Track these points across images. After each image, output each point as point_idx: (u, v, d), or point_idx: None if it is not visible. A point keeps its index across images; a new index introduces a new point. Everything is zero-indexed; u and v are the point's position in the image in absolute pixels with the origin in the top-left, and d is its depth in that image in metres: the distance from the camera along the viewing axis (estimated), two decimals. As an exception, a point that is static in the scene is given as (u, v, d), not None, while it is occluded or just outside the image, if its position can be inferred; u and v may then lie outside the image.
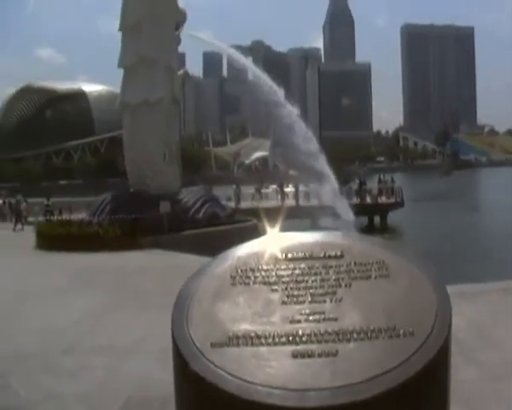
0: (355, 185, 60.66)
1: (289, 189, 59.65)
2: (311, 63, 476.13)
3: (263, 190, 62.73)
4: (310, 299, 2.76)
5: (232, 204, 51.42)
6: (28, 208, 52.90)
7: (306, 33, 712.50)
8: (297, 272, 2.90)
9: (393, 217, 57.10)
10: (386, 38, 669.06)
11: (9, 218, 51.89)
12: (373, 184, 63.25)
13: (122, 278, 20.22)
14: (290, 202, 56.57)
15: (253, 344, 2.56)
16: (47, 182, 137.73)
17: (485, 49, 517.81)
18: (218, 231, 32.96)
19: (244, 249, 3.11)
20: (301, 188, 57.97)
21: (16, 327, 13.24)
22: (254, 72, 43.96)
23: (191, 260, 22.99)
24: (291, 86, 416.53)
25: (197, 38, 47.42)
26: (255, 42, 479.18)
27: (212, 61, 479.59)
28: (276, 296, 2.79)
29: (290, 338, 2.56)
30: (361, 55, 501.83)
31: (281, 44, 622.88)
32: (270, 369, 2.43)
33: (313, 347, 2.52)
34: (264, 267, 2.93)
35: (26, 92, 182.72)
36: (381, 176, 65.65)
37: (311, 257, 2.97)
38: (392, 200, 59.54)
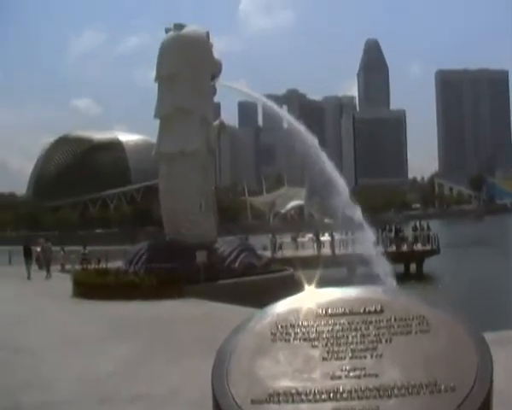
0: (391, 233, 60.28)
1: (325, 238, 59.44)
2: (346, 111, 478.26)
3: (299, 239, 62.64)
4: (350, 355, 2.76)
5: (268, 253, 51.32)
6: (65, 256, 53.44)
7: (341, 81, 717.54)
8: (337, 327, 2.90)
9: (429, 264, 56.66)
10: (420, 84, 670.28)
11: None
12: (408, 231, 62.79)
13: (158, 327, 20.23)
14: (326, 250, 56.35)
15: (293, 401, 2.55)
16: (84, 230, 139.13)
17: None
18: (254, 280, 32.86)
19: (284, 305, 3.12)
20: (337, 237, 57.76)
21: (54, 375, 13.30)
22: (289, 121, 44.12)
23: (228, 310, 22.96)
24: (326, 134, 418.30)
25: (232, 88, 47.78)
26: (290, 90, 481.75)
27: (247, 110, 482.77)
28: (316, 353, 2.79)
29: (331, 395, 2.56)
30: (395, 103, 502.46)
31: (315, 93, 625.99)
32: (312, 426, 2.43)
33: (354, 403, 2.51)
34: (305, 323, 2.94)
35: (64, 142, 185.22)
36: (417, 223, 65.19)
37: (351, 313, 2.97)
38: (428, 247, 59.06)
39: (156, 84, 38.17)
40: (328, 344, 2.83)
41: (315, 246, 57.97)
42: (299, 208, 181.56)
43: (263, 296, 28.76)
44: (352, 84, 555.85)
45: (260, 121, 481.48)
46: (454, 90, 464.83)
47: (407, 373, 2.63)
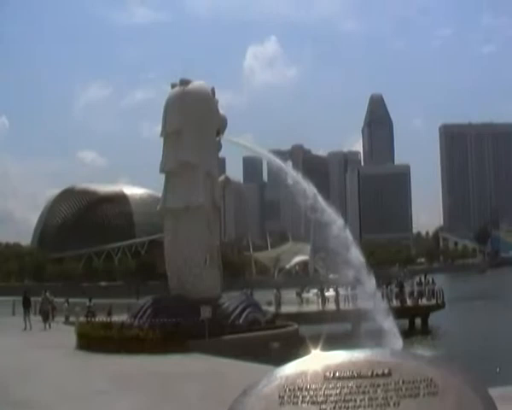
0: (395, 288, 60.15)
1: (330, 293, 59.33)
2: (351, 166, 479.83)
3: (303, 295, 62.51)
4: (358, 418, 2.75)
5: (273, 309, 51.16)
6: (69, 308, 53.44)
7: (345, 136, 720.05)
8: (345, 390, 2.89)
9: (434, 319, 56.50)
10: (424, 138, 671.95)
11: (52, 317, 52.41)
12: (411, 286, 62.70)
13: (162, 382, 20.11)
14: (331, 306, 56.21)
15: None
16: (88, 283, 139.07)
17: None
18: (259, 336, 32.77)
19: (292, 368, 3.11)
20: (342, 292, 57.63)
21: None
22: (294, 176, 44.23)
23: (232, 366, 22.87)
24: (331, 189, 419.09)
25: (237, 143, 48.06)
26: (295, 146, 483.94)
27: (252, 165, 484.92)
28: (324, 416, 2.78)
29: (339, 458, 2.54)
30: (400, 157, 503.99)
31: (320, 148, 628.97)
32: None
33: None
34: (313, 386, 2.93)
35: (70, 194, 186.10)
36: (422, 278, 65.14)
37: (359, 376, 2.96)
38: (433, 302, 58.98)
39: (162, 139, 38.44)
40: (336, 407, 2.82)
41: (319, 301, 57.83)
42: (304, 264, 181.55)
43: (267, 352, 28.69)
44: (357, 140, 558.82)
45: (265, 177, 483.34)
46: (458, 144, 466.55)
47: (415, 437, 2.62)
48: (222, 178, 40.71)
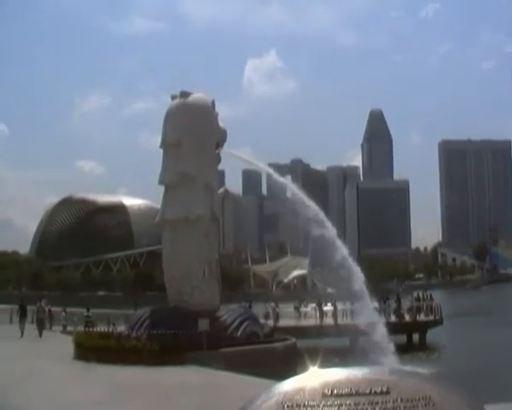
0: (394, 303, 60.14)
1: (328, 307, 59.31)
2: (350, 181, 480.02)
3: (301, 309, 62.47)
4: (356, 436, 2.76)
5: (271, 322, 51.10)
6: (67, 317, 53.48)
7: (345, 151, 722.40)
8: (343, 408, 2.90)
9: (432, 335, 56.51)
10: (423, 154, 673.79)
11: (49, 326, 52.52)
12: (409, 301, 62.77)
13: (159, 393, 20.08)
14: (329, 320, 56.19)
15: None
16: (86, 292, 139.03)
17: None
18: (257, 349, 32.69)
19: (290, 385, 3.12)
20: (339, 306, 57.60)
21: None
22: (293, 190, 44.28)
23: (230, 379, 22.83)
24: (330, 204, 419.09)
25: (236, 156, 48.08)
26: (294, 160, 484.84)
27: (251, 178, 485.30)
28: (322, 433, 2.79)
29: None
30: (399, 172, 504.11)
31: (319, 162, 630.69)
32: None
33: None
34: (311, 403, 2.93)
35: (69, 203, 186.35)
36: (420, 293, 65.16)
37: (357, 393, 2.97)
38: (431, 318, 58.98)
39: (161, 150, 38.46)
40: (334, 425, 2.83)
41: (317, 315, 57.80)
42: (302, 278, 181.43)
43: (265, 365, 28.63)
44: (356, 154, 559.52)
45: (264, 189, 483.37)
46: (457, 160, 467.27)
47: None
48: (221, 190, 40.95)
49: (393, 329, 47.50)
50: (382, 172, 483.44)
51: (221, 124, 39.24)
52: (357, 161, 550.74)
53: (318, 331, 50.89)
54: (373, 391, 2.98)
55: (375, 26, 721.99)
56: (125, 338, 32.85)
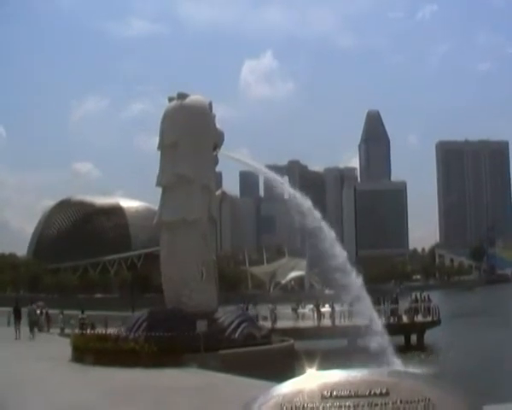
0: (391, 304, 60.17)
1: (325, 309, 59.28)
2: (347, 182, 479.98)
3: (299, 310, 62.41)
4: (356, 438, 2.75)
5: (268, 324, 51.07)
6: (64, 320, 53.46)
7: (342, 152, 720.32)
8: (342, 410, 2.89)
9: (430, 335, 56.54)
10: (420, 155, 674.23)
11: (47, 328, 52.53)
12: (406, 302, 62.87)
13: (157, 396, 20.05)
14: (326, 321, 56.17)
15: None
16: (83, 294, 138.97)
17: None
18: (255, 351, 32.67)
19: (289, 387, 3.11)
20: (337, 308, 57.56)
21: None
22: (290, 192, 44.25)
23: (227, 380, 22.80)
24: (327, 205, 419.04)
25: (234, 158, 48.02)
26: (291, 162, 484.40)
27: (248, 180, 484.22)
28: (321, 435, 2.78)
29: None
30: (396, 173, 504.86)
31: (317, 163, 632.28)
32: None
33: None
34: (310, 405, 2.93)
35: (66, 205, 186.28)
36: (417, 294, 65.23)
37: (357, 395, 2.96)
38: (429, 318, 59.00)
39: (158, 152, 38.45)
40: (334, 427, 2.82)
41: (315, 317, 57.75)
42: (300, 279, 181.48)
43: (262, 367, 28.61)
44: (354, 156, 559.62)
45: (261, 191, 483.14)
46: (455, 161, 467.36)
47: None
48: (218, 192, 40.86)
49: (391, 330, 47.47)
50: (380, 174, 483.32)
51: (218, 126, 39.22)
52: (354, 162, 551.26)
53: (316, 333, 50.89)
54: (372, 393, 2.97)
55: (373, 27, 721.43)
56: (122, 340, 32.83)
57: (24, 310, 50.93)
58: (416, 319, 58.64)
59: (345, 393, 3.00)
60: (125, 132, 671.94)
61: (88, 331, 44.24)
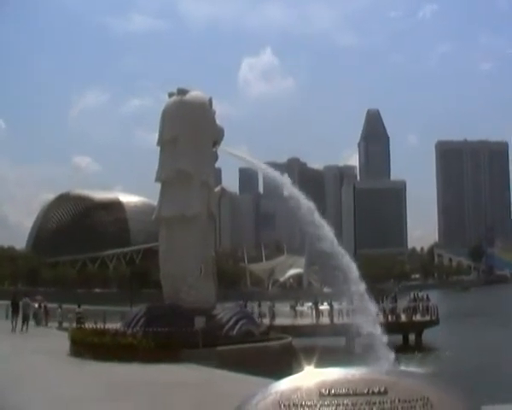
0: (390, 303, 60.19)
1: (324, 306, 59.33)
2: (347, 181, 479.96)
3: (297, 308, 62.42)
4: (353, 436, 2.74)
5: (266, 321, 51.09)
6: (62, 314, 53.50)
7: (341, 150, 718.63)
8: (340, 408, 2.88)
9: (428, 335, 56.55)
10: (419, 154, 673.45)
11: (45, 322, 52.56)
12: (404, 301, 62.88)
13: (155, 391, 20.05)
14: (325, 319, 56.19)
15: None
16: (82, 288, 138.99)
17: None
18: (252, 347, 32.68)
19: (287, 384, 3.09)
20: (336, 306, 57.59)
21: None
22: (289, 189, 44.22)
23: (225, 377, 22.81)
24: (326, 203, 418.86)
25: (233, 155, 47.98)
26: (291, 159, 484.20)
27: (248, 176, 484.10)
28: (319, 433, 2.76)
29: None
30: (395, 172, 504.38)
31: (316, 161, 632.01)
32: None
33: None
34: (308, 403, 2.91)
35: (65, 199, 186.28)
36: (416, 294, 65.25)
37: (355, 393, 2.94)
38: (427, 318, 59.02)
39: (158, 148, 38.44)
40: (332, 425, 2.81)
41: (313, 315, 57.77)
42: (298, 277, 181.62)
43: (260, 364, 28.61)
44: (353, 154, 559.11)
45: (261, 188, 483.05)
46: (454, 160, 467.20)
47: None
48: (218, 188, 40.72)
49: (389, 329, 47.49)
50: (379, 172, 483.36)
51: (218, 122, 39.21)
52: (353, 160, 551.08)
53: (314, 330, 50.86)
54: (370, 391, 2.95)
55: (373, 25, 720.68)
56: (120, 335, 32.83)
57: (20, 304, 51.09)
58: (414, 318, 58.67)
59: (343, 391, 2.98)
60: (124, 127, 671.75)
61: (86, 326, 44.24)
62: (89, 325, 42.83)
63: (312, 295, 69.11)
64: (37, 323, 52.25)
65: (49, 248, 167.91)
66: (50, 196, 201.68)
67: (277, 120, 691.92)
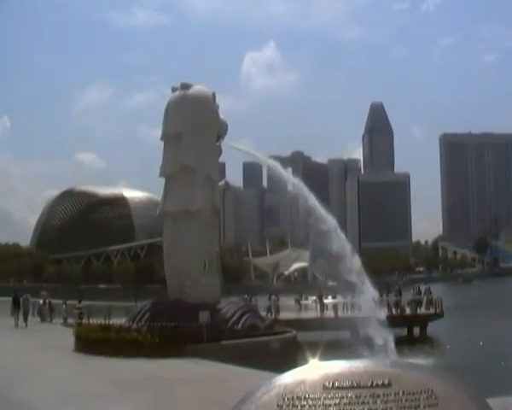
0: (394, 296, 60.14)
1: (328, 300, 59.33)
2: (351, 174, 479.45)
3: (302, 302, 62.39)
4: (357, 429, 2.72)
5: (271, 315, 51.09)
6: (67, 310, 53.61)
7: (345, 143, 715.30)
8: (344, 401, 2.85)
9: (433, 328, 56.49)
10: (424, 147, 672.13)
11: (50, 318, 52.66)
12: (409, 294, 62.79)
13: (160, 386, 20.07)
14: (329, 313, 56.15)
15: None
16: (86, 284, 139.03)
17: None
18: (257, 341, 32.70)
19: (291, 377, 3.07)
20: (340, 299, 57.59)
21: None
22: (294, 183, 44.19)
23: (230, 371, 22.81)
24: (330, 196, 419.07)
25: (237, 149, 47.97)
26: (295, 153, 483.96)
27: (252, 171, 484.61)
28: (323, 426, 2.74)
29: None
30: (400, 165, 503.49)
31: (320, 154, 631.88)
32: None
33: None
34: (311, 396, 2.89)
35: (69, 196, 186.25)
36: (420, 287, 65.15)
37: (359, 386, 2.92)
38: (432, 311, 58.93)
39: (162, 143, 38.42)
40: (335, 418, 2.79)
41: (318, 308, 57.76)
42: (303, 270, 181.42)
43: (265, 358, 28.61)
44: (357, 147, 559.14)
45: (265, 182, 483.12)
46: (458, 153, 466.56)
47: (415, 449, 2.59)
48: (221, 182, 40.71)
49: (394, 322, 47.56)
50: (383, 166, 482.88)
51: (222, 116, 39.18)
52: (358, 153, 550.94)
53: (319, 324, 50.82)
54: (374, 384, 2.93)
55: (377, 19, 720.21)
56: (125, 330, 32.87)
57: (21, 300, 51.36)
58: (418, 310, 58.62)
59: (347, 384, 2.96)
60: (128, 123, 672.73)
61: (88, 321, 44.24)
62: (93, 320, 42.92)
63: (317, 289, 69.01)
64: (42, 319, 52.38)
65: (54, 244, 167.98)
66: (54, 192, 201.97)
67: (281, 114, 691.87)
